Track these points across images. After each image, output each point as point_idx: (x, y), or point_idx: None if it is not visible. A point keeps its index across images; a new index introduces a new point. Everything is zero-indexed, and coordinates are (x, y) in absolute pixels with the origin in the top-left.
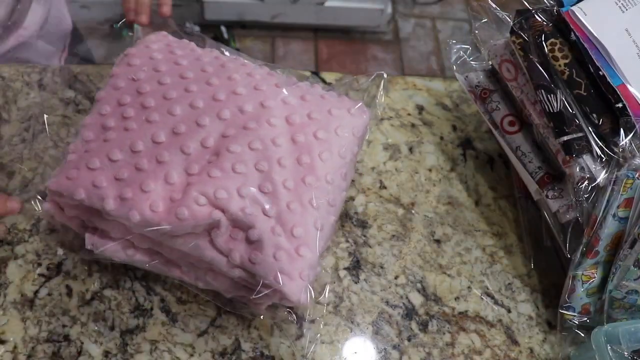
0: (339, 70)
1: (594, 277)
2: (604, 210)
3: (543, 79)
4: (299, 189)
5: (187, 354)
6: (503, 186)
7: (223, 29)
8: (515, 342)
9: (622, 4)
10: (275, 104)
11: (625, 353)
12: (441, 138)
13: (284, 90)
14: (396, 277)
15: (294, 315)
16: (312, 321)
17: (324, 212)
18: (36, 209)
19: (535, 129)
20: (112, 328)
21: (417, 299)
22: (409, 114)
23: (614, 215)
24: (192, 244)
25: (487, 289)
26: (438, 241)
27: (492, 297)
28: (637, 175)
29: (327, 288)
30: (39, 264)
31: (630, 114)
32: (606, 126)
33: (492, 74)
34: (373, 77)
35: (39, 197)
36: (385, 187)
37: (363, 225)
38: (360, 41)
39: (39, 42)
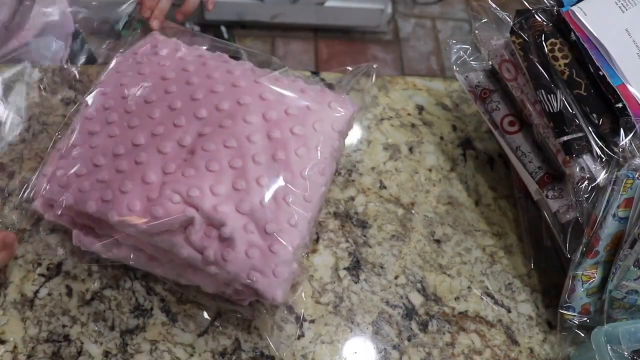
0: (339, 71)
1: (594, 277)
2: (604, 210)
3: (543, 79)
4: (273, 185)
5: (187, 354)
6: (503, 186)
7: (223, 29)
8: (515, 342)
9: (622, 4)
10: (252, 100)
11: (625, 353)
12: (441, 138)
13: (263, 86)
14: (396, 277)
15: (292, 315)
16: (312, 321)
17: (299, 208)
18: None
19: (535, 129)
20: (112, 328)
21: (417, 299)
22: (409, 114)
23: (614, 215)
24: (169, 241)
25: (487, 289)
26: (438, 241)
27: (492, 297)
28: (637, 175)
29: (301, 289)
30: (39, 264)
31: (630, 114)
32: (606, 126)
33: (492, 74)
34: (364, 68)
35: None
36: (385, 187)
37: (363, 225)
38: (360, 41)
39: (41, 43)
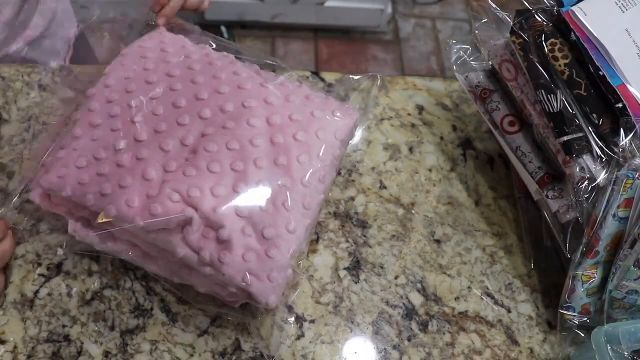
0: (339, 70)
1: (594, 277)
2: (604, 210)
3: (543, 79)
4: (273, 190)
5: (187, 354)
6: (503, 186)
7: (223, 29)
8: (515, 342)
9: (622, 4)
10: (257, 103)
11: (625, 353)
12: (441, 138)
13: (268, 90)
14: (396, 277)
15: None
16: (312, 321)
17: (297, 214)
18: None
19: (535, 129)
20: (112, 328)
21: (417, 299)
22: (409, 114)
23: (614, 215)
24: (165, 240)
25: (487, 289)
26: (438, 241)
27: (492, 297)
28: (637, 175)
29: (300, 288)
30: (39, 264)
31: (630, 114)
32: (606, 126)
33: (492, 74)
34: (368, 75)
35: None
36: (385, 187)
37: (363, 225)
38: (360, 41)
39: (45, 41)
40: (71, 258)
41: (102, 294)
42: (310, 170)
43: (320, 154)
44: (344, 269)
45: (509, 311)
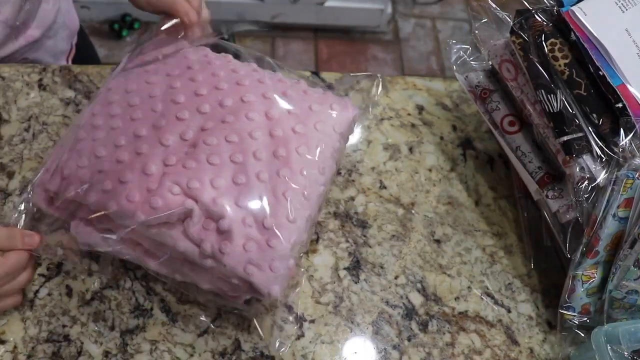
0: (339, 71)
1: (594, 277)
2: (604, 210)
3: (543, 79)
4: (272, 181)
5: (187, 354)
6: (503, 186)
7: (223, 29)
8: (515, 342)
9: (622, 4)
10: (255, 98)
11: (625, 353)
12: (441, 138)
13: (266, 86)
14: (396, 277)
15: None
16: (312, 321)
17: (298, 205)
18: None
19: (535, 129)
20: (112, 328)
21: (417, 299)
22: (409, 114)
23: (614, 215)
24: (166, 234)
25: (487, 289)
26: (438, 241)
27: (492, 297)
28: (637, 175)
29: (300, 288)
30: (39, 264)
31: (630, 114)
32: (606, 126)
33: (492, 74)
34: (368, 75)
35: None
36: (385, 187)
37: (363, 225)
38: (360, 41)
39: (48, 42)
40: (71, 258)
41: (102, 294)
42: (310, 162)
43: (320, 146)
44: (344, 269)
45: (509, 311)
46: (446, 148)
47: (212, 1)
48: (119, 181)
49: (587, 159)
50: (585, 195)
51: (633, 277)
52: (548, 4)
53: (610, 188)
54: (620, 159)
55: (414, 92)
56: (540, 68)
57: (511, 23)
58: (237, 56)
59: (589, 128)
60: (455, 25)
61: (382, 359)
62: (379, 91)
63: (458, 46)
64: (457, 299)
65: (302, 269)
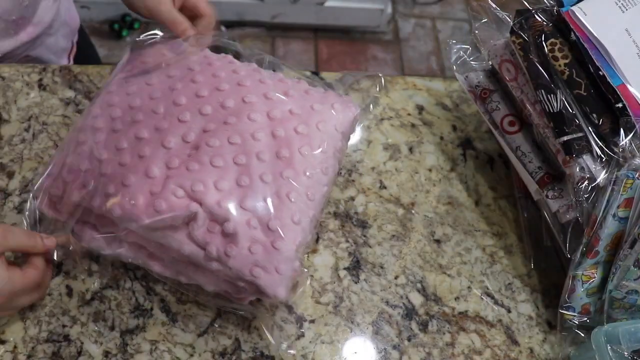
0: (339, 71)
1: (594, 277)
2: (604, 210)
3: (543, 79)
4: (276, 182)
5: (187, 354)
6: (503, 186)
7: (223, 29)
8: (515, 342)
9: (622, 4)
10: (257, 99)
11: (625, 353)
12: (441, 138)
13: (267, 86)
14: (396, 277)
15: (292, 314)
16: (312, 321)
17: (302, 205)
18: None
19: (535, 129)
20: (112, 328)
21: (417, 299)
22: (409, 114)
23: (614, 215)
24: (171, 237)
25: (487, 289)
26: (438, 241)
27: (492, 297)
28: (637, 175)
29: (302, 289)
30: None
31: (630, 114)
32: (606, 126)
33: (492, 74)
34: (368, 73)
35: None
36: (385, 187)
37: (363, 225)
38: (360, 41)
39: (49, 39)
40: (71, 258)
41: (102, 294)
42: (313, 162)
43: (322, 146)
44: (344, 269)
45: (509, 311)
46: (446, 148)
47: (212, 1)
48: (122, 184)
49: (587, 159)
50: (585, 195)
51: (633, 277)
52: (548, 4)
53: (610, 188)
54: (620, 159)
55: (414, 92)
56: (540, 68)
57: (511, 23)
58: (237, 56)
59: (589, 128)
60: (455, 25)
61: (382, 359)
62: (378, 89)
63: (458, 46)
64: (457, 299)
65: (305, 269)
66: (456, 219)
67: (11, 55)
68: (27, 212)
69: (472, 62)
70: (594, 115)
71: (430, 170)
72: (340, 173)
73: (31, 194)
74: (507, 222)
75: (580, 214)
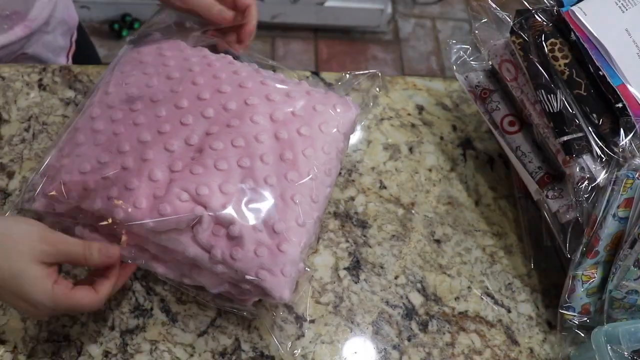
0: (339, 71)
1: (594, 277)
2: (604, 210)
3: (543, 79)
4: (281, 185)
5: (187, 354)
6: (503, 186)
7: None
8: (515, 342)
9: (622, 4)
10: (259, 101)
11: (625, 353)
12: (441, 138)
13: (269, 87)
14: (396, 277)
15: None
16: (312, 321)
17: (306, 207)
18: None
19: (535, 129)
20: (112, 328)
21: (417, 299)
22: (409, 114)
23: (614, 215)
24: (175, 240)
25: (487, 289)
26: (438, 241)
27: (492, 297)
28: (637, 175)
29: (303, 289)
30: None
31: (630, 114)
32: (606, 126)
33: (492, 74)
34: (368, 73)
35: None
36: (385, 187)
37: (363, 225)
38: (360, 41)
39: (46, 37)
40: None
41: None
42: (316, 164)
43: (325, 147)
44: (344, 269)
45: (509, 311)
46: (446, 148)
47: None
48: (125, 188)
49: (587, 159)
50: (585, 195)
51: (633, 277)
52: (548, 4)
53: (610, 188)
54: (620, 159)
55: (414, 92)
56: (540, 68)
57: (511, 23)
58: (236, 57)
59: (589, 128)
60: (455, 25)
61: (382, 359)
62: (378, 89)
63: (458, 46)
64: (457, 299)
65: (308, 268)
66: (456, 219)
67: (7, 51)
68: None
69: (472, 62)
70: (594, 115)
71: (430, 170)
72: (340, 173)
73: (23, 195)
74: (507, 222)
75: (580, 214)
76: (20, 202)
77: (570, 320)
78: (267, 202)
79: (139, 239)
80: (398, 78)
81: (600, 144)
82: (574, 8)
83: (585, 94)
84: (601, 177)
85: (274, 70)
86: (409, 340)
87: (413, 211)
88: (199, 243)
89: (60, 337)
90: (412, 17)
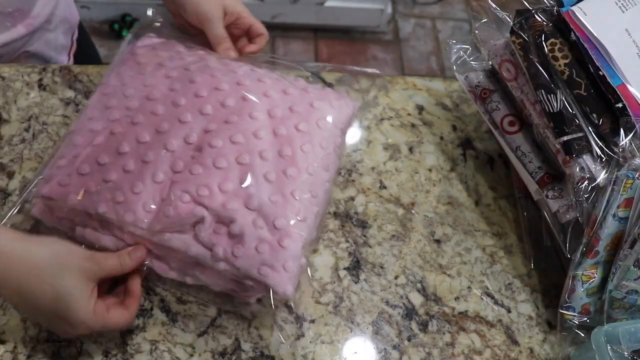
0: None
1: (594, 277)
2: (604, 210)
3: (543, 79)
4: (280, 181)
5: (187, 354)
6: (503, 186)
7: None
8: (515, 342)
9: (622, 4)
10: (257, 98)
11: (625, 353)
12: (441, 138)
13: (267, 84)
14: (396, 277)
15: (292, 314)
16: (312, 321)
17: (306, 203)
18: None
19: (535, 129)
20: None
21: (417, 299)
22: (409, 114)
23: (614, 215)
24: (178, 240)
25: (487, 289)
26: (438, 241)
27: (492, 297)
28: (637, 175)
29: (302, 287)
30: None
31: (630, 114)
32: (606, 126)
33: (492, 74)
34: (369, 71)
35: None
36: (385, 187)
37: (363, 225)
38: (360, 41)
39: (48, 34)
40: None
41: None
42: (315, 159)
43: (323, 143)
44: (344, 269)
45: (509, 311)
46: (446, 148)
47: None
48: (132, 192)
49: (587, 159)
50: (585, 195)
51: (633, 277)
52: (548, 4)
53: (610, 188)
54: (620, 159)
55: (414, 92)
56: (540, 68)
57: (511, 23)
58: None
59: (589, 128)
60: (455, 25)
61: (382, 359)
62: (377, 89)
63: (458, 46)
64: (457, 299)
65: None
66: (456, 219)
67: (9, 49)
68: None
69: (472, 62)
70: (594, 115)
71: (430, 170)
72: (340, 173)
73: (23, 196)
74: (507, 222)
75: (580, 214)
76: (19, 202)
77: (570, 320)
78: (267, 199)
79: (142, 239)
80: (398, 78)
81: (600, 144)
82: (574, 8)
83: (585, 94)
84: (601, 177)
85: (273, 63)
86: (409, 340)
87: (413, 211)
88: (201, 242)
89: (60, 337)
90: (412, 17)
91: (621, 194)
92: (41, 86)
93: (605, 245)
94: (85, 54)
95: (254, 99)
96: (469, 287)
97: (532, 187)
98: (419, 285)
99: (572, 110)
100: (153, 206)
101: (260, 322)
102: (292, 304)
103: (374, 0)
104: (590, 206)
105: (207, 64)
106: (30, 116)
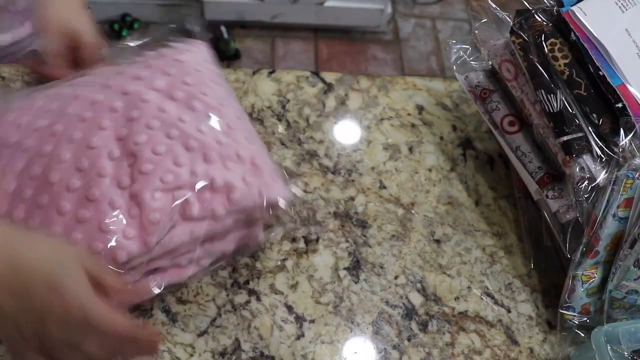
0: (339, 71)
1: (594, 277)
2: (604, 210)
3: (543, 79)
4: (212, 125)
5: (187, 354)
6: (503, 186)
7: (223, 29)
8: (515, 342)
9: (622, 4)
10: (134, 86)
11: (625, 353)
12: (441, 138)
13: (130, 71)
14: (396, 277)
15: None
16: (312, 321)
17: (241, 126)
18: None
19: (535, 129)
20: None
21: (417, 299)
22: (409, 114)
23: (614, 215)
24: (177, 234)
25: (487, 289)
26: (438, 241)
27: (492, 297)
28: (637, 175)
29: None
30: None
31: (630, 114)
32: (606, 126)
33: (492, 74)
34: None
35: None
36: (385, 187)
37: (363, 225)
38: (360, 41)
39: None
40: None
41: None
42: (217, 94)
43: (213, 79)
44: (344, 269)
45: (509, 311)
46: (446, 148)
47: (212, 1)
48: (102, 231)
49: (587, 159)
50: (585, 195)
51: (633, 277)
52: (548, 4)
53: (610, 188)
54: (620, 159)
55: (414, 92)
56: (540, 68)
57: (511, 23)
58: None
59: (589, 128)
60: (455, 25)
61: (382, 359)
62: (378, 89)
63: (458, 46)
64: (457, 299)
65: (302, 269)
66: (456, 219)
67: (17, 47)
68: None
69: (472, 62)
70: (594, 115)
71: (430, 170)
72: (340, 173)
73: None
74: (507, 222)
75: (580, 214)
76: None
77: (570, 320)
78: (218, 144)
79: (148, 265)
80: (398, 78)
81: (600, 144)
82: (574, 8)
83: (585, 94)
84: (601, 177)
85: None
86: (409, 340)
87: (413, 211)
88: (199, 218)
89: None
90: (412, 17)
91: (621, 194)
92: None
93: (605, 245)
94: None
95: (132, 87)
96: (468, 287)
97: (532, 187)
98: (418, 285)
99: (572, 110)
100: (132, 230)
101: (260, 322)
102: (293, 305)
103: (374, 0)
104: (590, 206)
105: (62, 92)
106: None
